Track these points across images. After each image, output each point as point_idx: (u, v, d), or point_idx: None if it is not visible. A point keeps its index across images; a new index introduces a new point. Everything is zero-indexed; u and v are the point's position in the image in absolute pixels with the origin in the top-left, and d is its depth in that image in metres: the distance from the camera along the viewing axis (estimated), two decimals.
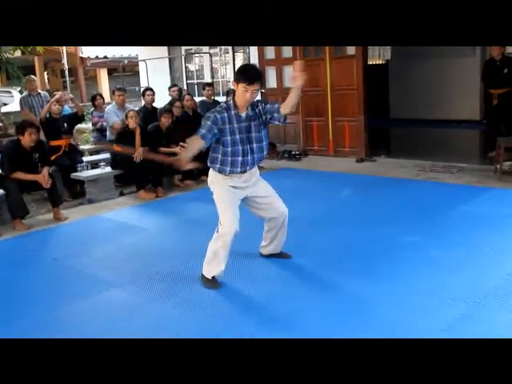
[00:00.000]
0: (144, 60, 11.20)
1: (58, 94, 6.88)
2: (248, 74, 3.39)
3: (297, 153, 8.55)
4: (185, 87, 10.43)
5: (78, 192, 6.68)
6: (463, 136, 9.59)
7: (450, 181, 6.26)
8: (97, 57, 18.34)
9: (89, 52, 18.18)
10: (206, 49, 10.35)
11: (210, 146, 3.61)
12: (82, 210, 6.10)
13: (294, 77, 3.30)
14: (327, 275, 3.77)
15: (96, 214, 5.81)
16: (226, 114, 3.49)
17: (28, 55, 15.11)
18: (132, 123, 6.43)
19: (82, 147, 8.13)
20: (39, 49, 11.59)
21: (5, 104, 14.15)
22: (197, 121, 7.30)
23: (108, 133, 7.42)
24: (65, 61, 12.73)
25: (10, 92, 15.82)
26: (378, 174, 6.97)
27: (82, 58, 18.36)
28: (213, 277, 3.66)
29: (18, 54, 12.82)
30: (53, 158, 6.35)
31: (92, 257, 4.45)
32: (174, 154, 6.69)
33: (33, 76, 8.63)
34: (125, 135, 6.48)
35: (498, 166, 6.14)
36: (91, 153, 8.00)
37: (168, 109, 7.05)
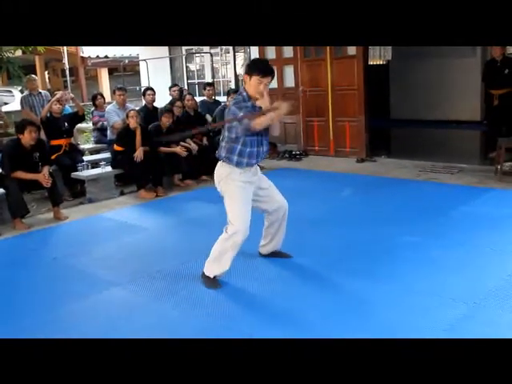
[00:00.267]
0: (145, 60, 11.20)
1: (58, 94, 6.89)
2: (262, 67, 3.48)
3: (297, 153, 8.55)
4: (185, 87, 10.43)
5: (78, 191, 6.68)
6: (464, 136, 9.58)
7: (450, 181, 6.26)
8: (97, 56, 18.34)
9: (89, 52, 18.18)
10: (206, 49, 10.34)
11: (224, 140, 3.56)
12: (82, 209, 6.10)
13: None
14: (328, 275, 3.76)
15: (96, 214, 5.81)
16: (249, 104, 3.48)
17: (29, 55, 15.11)
18: (133, 123, 6.44)
19: (82, 147, 8.13)
20: (40, 48, 11.60)
21: (5, 103, 14.16)
22: (198, 121, 7.36)
23: (109, 132, 7.43)
24: (65, 60, 12.73)
25: (10, 91, 15.82)
26: (378, 174, 6.97)
27: (82, 57, 18.36)
28: (214, 276, 3.66)
29: (18, 53, 12.82)
30: (53, 157, 6.35)
31: (92, 256, 4.45)
32: (176, 154, 6.74)
33: (33, 75, 8.64)
34: (125, 135, 6.48)
35: (499, 167, 6.14)
36: (91, 152, 8.00)
37: (169, 108, 7.05)
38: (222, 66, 10.78)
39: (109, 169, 6.65)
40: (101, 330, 3.12)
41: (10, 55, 10.34)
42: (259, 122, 3.37)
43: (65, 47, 12.30)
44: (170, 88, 8.52)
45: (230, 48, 10.01)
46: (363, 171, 7.22)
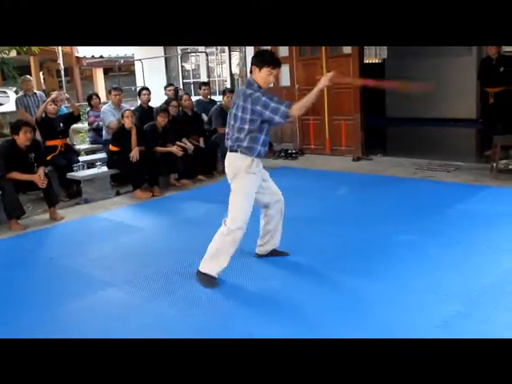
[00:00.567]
0: (140, 59, 11.18)
1: (53, 94, 6.86)
2: (272, 59, 3.55)
3: (293, 152, 8.55)
4: (181, 86, 10.42)
5: (74, 192, 6.67)
6: (460, 134, 9.61)
7: (446, 179, 6.27)
8: (93, 56, 18.30)
9: (85, 52, 18.13)
10: (202, 48, 10.33)
11: (242, 132, 3.48)
12: (78, 209, 6.08)
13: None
14: (324, 273, 3.77)
15: (92, 214, 5.80)
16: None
17: (23, 55, 15.05)
18: (128, 123, 6.42)
19: (77, 147, 8.11)
20: (35, 49, 11.55)
21: (0, 104, 14.12)
22: (194, 120, 7.35)
23: (104, 132, 7.41)
24: (60, 60, 12.67)
25: (5, 92, 15.79)
26: (374, 172, 6.98)
27: (77, 57, 18.31)
28: (210, 275, 3.65)
29: (13, 54, 12.77)
30: (49, 157, 6.34)
31: (88, 256, 4.44)
32: (171, 154, 6.73)
33: (28, 76, 8.60)
34: (121, 135, 6.47)
35: (495, 165, 6.16)
36: (87, 152, 7.98)
37: (164, 108, 7.03)
38: (218, 65, 10.77)
39: (104, 169, 6.64)
40: (98, 330, 3.11)
41: (5, 56, 10.32)
42: (298, 107, 3.44)
43: (59, 47, 12.25)
44: (165, 88, 8.50)
45: (226, 47, 10.01)
46: (359, 170, 7.22)
